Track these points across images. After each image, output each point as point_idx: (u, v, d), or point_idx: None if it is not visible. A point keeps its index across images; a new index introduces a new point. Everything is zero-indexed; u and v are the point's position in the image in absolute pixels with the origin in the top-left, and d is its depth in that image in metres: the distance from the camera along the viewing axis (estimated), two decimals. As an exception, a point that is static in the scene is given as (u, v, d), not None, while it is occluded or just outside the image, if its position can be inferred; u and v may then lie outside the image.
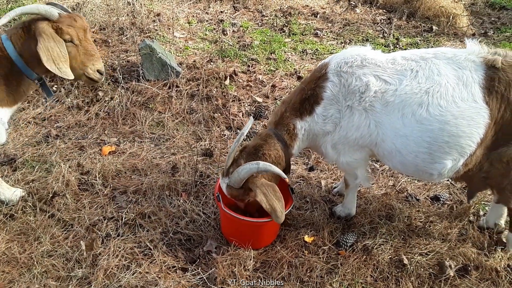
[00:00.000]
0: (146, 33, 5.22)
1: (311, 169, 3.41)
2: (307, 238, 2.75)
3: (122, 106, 3.89)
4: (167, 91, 4.17)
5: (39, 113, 3.85)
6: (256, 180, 2.39)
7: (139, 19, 5.37)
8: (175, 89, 4.19)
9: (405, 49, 5.42)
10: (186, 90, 4.18)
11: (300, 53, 5.22)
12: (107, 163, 3.26)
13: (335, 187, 3.21)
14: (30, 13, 2.47)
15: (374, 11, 6.53)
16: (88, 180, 3.11)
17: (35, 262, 2.51)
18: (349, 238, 2.70)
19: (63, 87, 4.11)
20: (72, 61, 2.53)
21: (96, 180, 3.10)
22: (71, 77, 2.49)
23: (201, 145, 3.60)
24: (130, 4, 5.59)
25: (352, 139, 2.41)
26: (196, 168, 3.26)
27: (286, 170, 2.62)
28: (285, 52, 5.20)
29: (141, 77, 4.22)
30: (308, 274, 2.52)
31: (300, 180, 3.28)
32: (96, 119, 3.81)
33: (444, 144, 2.20)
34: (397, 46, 5.47)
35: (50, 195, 2.93)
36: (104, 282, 2.41)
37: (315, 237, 2.76)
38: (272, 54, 5.10)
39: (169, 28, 5.41)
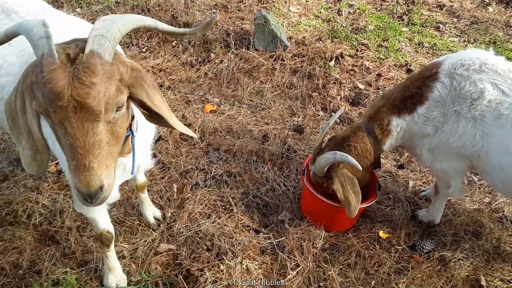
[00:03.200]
0: (263, 3, 5.36)
1: (400, 166, 3.30)
2: (381, 234, 2.72)
3: (229, 70, 4.12)
4: (272, 63, 4.29)
5: (158, 64, 4.25)
6: (338, 170, 2.42)
7: (259, -11, 5.51)
8: (280, 62, 4.29)
9: (540, 59, 4.79)
10: (290, 65, 4.26)
11: (416, 45, 4.93)
12: (207, 120, 3.53)
13: (423, 191, 3.08)
14: None
15: (510, 12, 5.82)
16: (188, 132, 3.41)
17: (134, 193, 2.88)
18: (426, 244, 2.61)
19: (181, 44, 4.47)
20: None
21: (195, 133, 3.38)
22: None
23: (294, 120, 3.69)
24: (253, -27, 5.74)
25: (453, 146, 2.28)
26: (285, 141, 3.37)
27: (375, 165, 2.59)
28: (399, 42, 4.95)
29: (251, 46, 4.40)
30: (375, 268, 2.52)
31: (386, 175, 3.21)
32: (205, 78, 4.10)
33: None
34: (531, 54, 4.85)
35: (156, 138, 3.28)
36: (187, 224, 2.69)
37: (390, 235, 2.72)
38: (385, 42, 4.89)
39: (286, 2, 5.47)
